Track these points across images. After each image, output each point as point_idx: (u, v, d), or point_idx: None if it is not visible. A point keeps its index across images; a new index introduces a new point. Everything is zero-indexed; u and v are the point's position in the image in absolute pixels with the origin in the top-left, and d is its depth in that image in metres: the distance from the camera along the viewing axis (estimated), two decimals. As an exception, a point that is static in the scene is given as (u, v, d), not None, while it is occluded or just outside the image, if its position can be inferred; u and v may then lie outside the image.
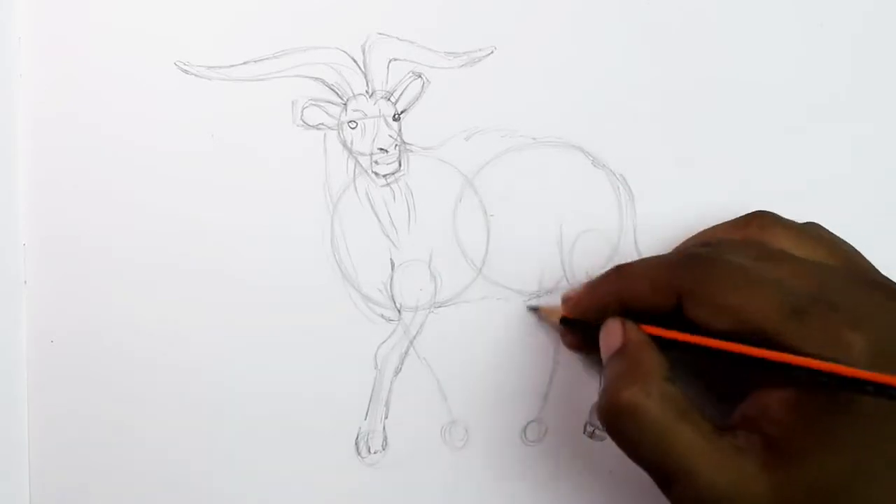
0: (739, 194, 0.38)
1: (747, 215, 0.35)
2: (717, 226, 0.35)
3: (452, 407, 0.37)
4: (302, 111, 0.37)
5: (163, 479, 0.36)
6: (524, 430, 0.37)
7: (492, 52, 0.38)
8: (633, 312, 0.32)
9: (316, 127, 0.37)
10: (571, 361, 0.37)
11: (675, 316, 0.31)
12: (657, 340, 0.31)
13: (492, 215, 0.37)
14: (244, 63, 0.37)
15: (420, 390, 0.37)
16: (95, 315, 0.36)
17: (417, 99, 0.37)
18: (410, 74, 0.37)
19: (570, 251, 0.38)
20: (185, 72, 0.36)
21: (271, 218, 0.37)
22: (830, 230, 0.34)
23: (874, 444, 0.28)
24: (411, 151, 0.37)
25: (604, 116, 0.38)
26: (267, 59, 0.37)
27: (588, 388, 0.37)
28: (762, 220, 0.34)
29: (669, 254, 0.33)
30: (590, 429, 0.37)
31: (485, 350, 0.37)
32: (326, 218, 0.37)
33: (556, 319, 0.36)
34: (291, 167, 0.37)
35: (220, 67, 0.36)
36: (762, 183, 0.38)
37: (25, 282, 0.36)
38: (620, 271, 0.33)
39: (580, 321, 0.34)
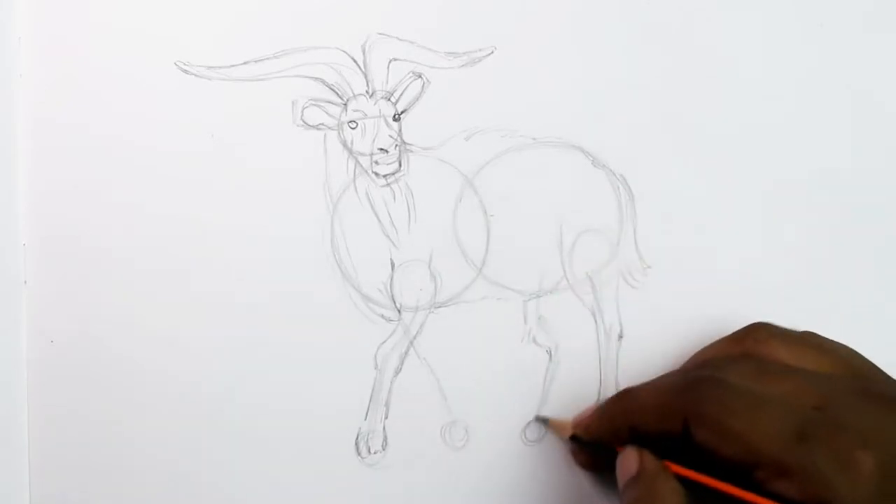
0: (739, 194, 0.38)
1: (744, 329, 0.35)
2: (715, 343, 0.35)
3: (452, 407, 0.37)
4: (302, 111, 0.37)
5: (163, 479, 0.36)
6: (524, 430, 0.37)
7: (492, 52, 0.38)
8: (643, 436, 0.32)
9: (316, 127, 0.37)
10: (571, 361, 0.37)
11: (683, 439, 0.31)
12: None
13: (492, 215, 0.37)
14: (244, 63, 0.37)
15: (420, 390, 0.37)
16: (95, 315, 0.36)
17: (417, 99, 0.37)
18: (410, 74, 0.37)
19: (570, 251, 0.38)
20: (185, 72, 0.36)
21: (271, 218, 0.37)
22: (825, 336, 0.34)
23: None
24: (411, 151, 0.37)
25: (604, 116, 0.38)
26: (267, 59, 0.37)
27: (588, 387, 0.37)
28: (758, 332, 0.34)
29: (674, 376, 0.33)
30: (590, 429, 0.37)
31: (485, 350, 0.37)
32: (326, 218, 0.37)
33: (565, 434, 0.36)
34: (291, 167, 0.37)
35: (220, 67, 0.36)
36: (762, 182, 0.38)
37: (25, 282, 0.36)
38: (627, 395, 0.33)
39: (591, 443, 0.35)
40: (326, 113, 0.37)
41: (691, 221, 0.38)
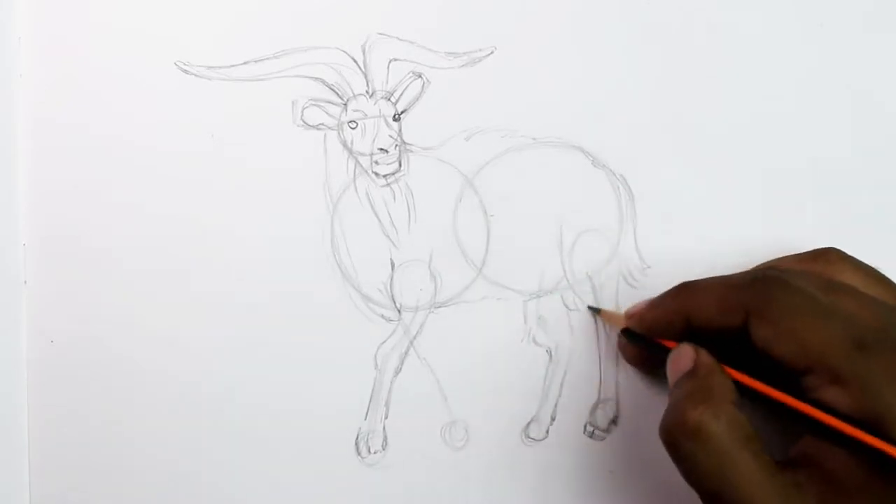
0: (739, 194, 0.38)
1: (816, 250, 0.34)
2: (785, 257, 0.35)
3: (452, 407, 0.37)
4: (302, 111, 0.37)
5: (162, 478, 0.36)
6: (524, 429, 0.37)
7: (492, 52, 0.38)
8: (696, 331, 0.32)
9: (316, 127, 0.37)
10: (571, 361, 0.37)
11: (738, 337, 0.31)
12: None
13: (492, 215, 0.37)
14: (244, 63, 0.37)
15: (420, 390, 0.37)
16: (95, 315, 0.36)
17: (417, 99, 0.37)
18: (410, 74, 0.37)
19: (570, 251, 0.38)
20: (185, 72, 0.36)
21: (271, 218, 0.37)
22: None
23: None
24: (411, 151, 0.37)
25: (604, 116, 0.38)
26: (267, 59, 0.37)
27: (588, 387, 0.37)
28: (830, 255, 0.34)
29: (738, 274, 0.33)
30: (590, 429, 0.37)
31: (485, 350, 0.37)
32: (326, 218, 0.37)
33: (617, 326, 0.36)
34: (291, 167, 0.37)
35: (220, 67, 0.36)
36: (762, 182, 0.38)
37: (25, 282, 0.36)
38: (687, 288, 0.33)
39: (643, 336, 0.34)
40: (326, 113, 0.37)
41: (691, 221, 0.38)
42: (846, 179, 0.39)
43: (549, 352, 0.37)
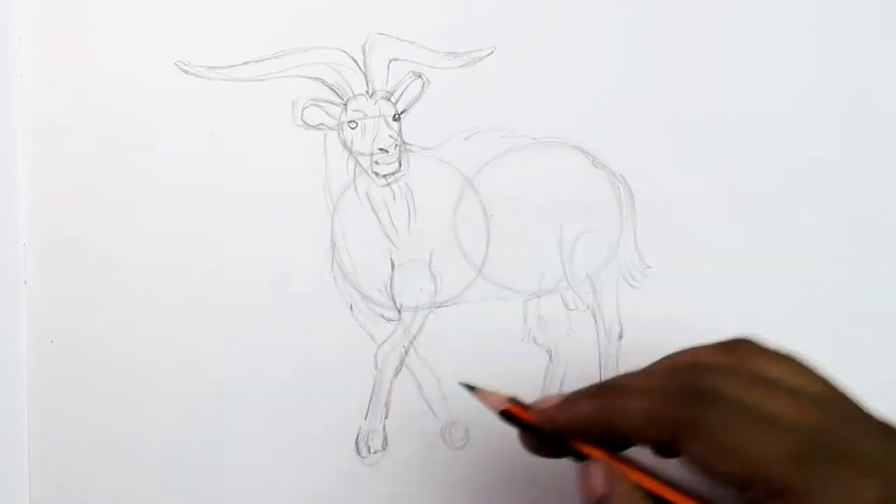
0: (739, 194, 0.38)
1: (732, 340, 0.32)
2: (702, 347, 0.32)
3: (452, 407, 0.37)
4: (302, 111, 0.37)
5: (162, 478, 0.36)
6: (524, 430, 0.37)
7: (492, 52, 0.38)
8: (615, 437, 0.29)
9: (316, 127, 0.37)
10: (571, 361, 0.37)
11: (668, 447, 0.28)
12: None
13: (492, 215, 0.37)
14: (244, 63, 0.37)
15: (420, 390, 0.37)
16: (95, 315, 0.36)
17: (417, 99, 0.37)
18: (410, 74, 0.37)
19: (571, 251, 0.38)
20: (185, 72, 0.36)
21: (271, 218, 0.37)
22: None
23: None
24: (411, 151, 0.37)
25: (604, 116, 0.38)
26: (267, 59, 0.37)
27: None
28: (748, 346, 0.31)
29: (663, 378, 0.30)
30: (590, 429, 0.37)
31: (485, 350, 0.37)
32: (326, 218, 0.37)
33: (497, 407, 0.31)
34: (291, 167, 0.37)
35: (220, 67, 0.36)
36: (762, 183, 0.38)
37: (25, 282, 0.36)
38: (609, 394, 0.30)
39: (542, 431, 0.30)
40: (326, 113, 0.37)
41: (691, 221, 0.38)
42: (846, 179, 0.39)
43: (548, 352, 0.37)
